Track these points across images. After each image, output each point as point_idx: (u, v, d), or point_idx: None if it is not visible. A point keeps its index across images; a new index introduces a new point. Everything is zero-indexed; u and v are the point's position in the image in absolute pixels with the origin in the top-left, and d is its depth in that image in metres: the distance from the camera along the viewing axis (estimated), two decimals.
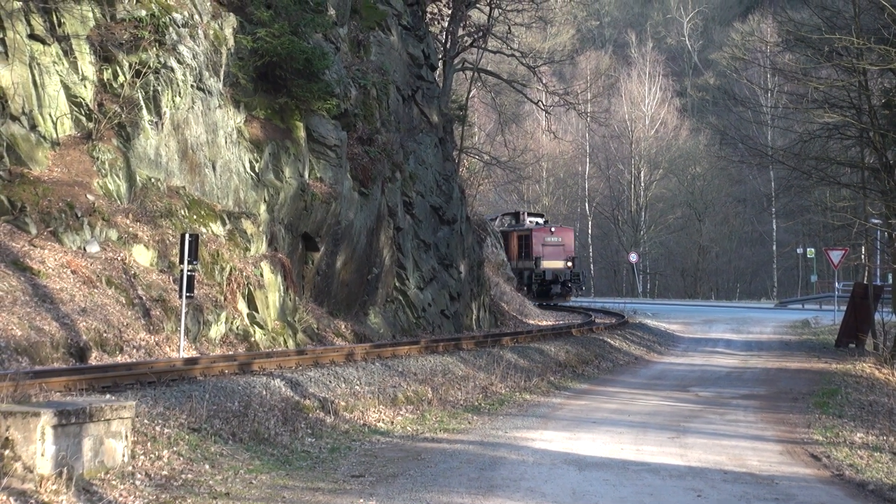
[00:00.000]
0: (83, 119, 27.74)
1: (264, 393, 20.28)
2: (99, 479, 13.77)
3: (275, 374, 22.20)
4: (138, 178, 28.16)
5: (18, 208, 24.56)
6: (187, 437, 16.25)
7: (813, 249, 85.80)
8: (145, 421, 16.12)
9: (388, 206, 39.79)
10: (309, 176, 34.26)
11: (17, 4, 26.44)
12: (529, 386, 29.01)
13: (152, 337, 24.54)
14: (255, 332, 28.54)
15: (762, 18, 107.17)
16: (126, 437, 14.49)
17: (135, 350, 23.43)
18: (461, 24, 59.73)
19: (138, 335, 24.10)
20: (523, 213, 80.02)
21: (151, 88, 28.97)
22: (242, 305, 28.77)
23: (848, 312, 45.63)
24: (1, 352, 19.67)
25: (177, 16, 30.33)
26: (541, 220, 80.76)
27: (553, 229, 75.13)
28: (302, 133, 34.12)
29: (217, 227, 29.60)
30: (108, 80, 28.49)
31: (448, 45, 58.64)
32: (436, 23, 59.36)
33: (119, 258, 25.78)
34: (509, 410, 24.73)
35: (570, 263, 73.50)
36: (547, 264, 72.34)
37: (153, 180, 28.57)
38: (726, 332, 55.55)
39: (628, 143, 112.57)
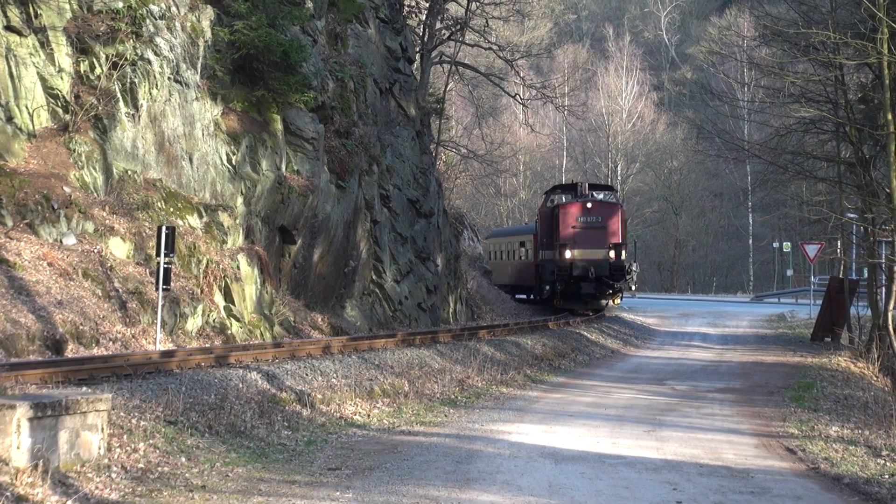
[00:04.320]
0: (60, 111, 27.67)
1: (241, 386, 20.28)
2: (75, 471, 13.76)
3: (251, 367, 22.21)
4: (115, 170, 28.08)
5: None
6: (164, 429, 16.24)
7: (789, 243, 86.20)
8: (121, 413, 16.10)
9: (365, 199, 39.76)
10: (286, 169, 34.22)
11: None
12: (506, 379, 29.06)
13: (129, 329, 24.48)
14: (231, 324, 28.50)
15: (739, 13, 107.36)
16: (102, 429, 14.48)
17: (111, 343, 23.37)
18: (439, 18, 59.70)
19: (115, 328, 24.04)
20: (583, 185, 57.34)
21: (128, 80, 28.89)
22: (219, 298, 28.72)
23: (824, 307, 45.86)
24: None
25: (154, 8, 30.25)
26: (609, 195, 62.22)
27: (589, 205, 54.21)
28: (279, 126, 34.08)
29: (194, 220, 29.55)
30: (84, 71, 28.40)
31: (426, 39, 58.59)
32: (413, 16, 59.35)
33: (95, 250, 25.70)
34: (486, 403, 24.78)
35: (612, 253, 52.78)
36: (577, 253, 52.48)
37: (130, 173, 28.50)
38: (702, 326, 55.74)
39: (605, 137, 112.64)
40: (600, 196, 60.00)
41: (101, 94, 28.10)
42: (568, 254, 52.37)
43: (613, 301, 55.62)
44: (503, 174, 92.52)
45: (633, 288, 57.98)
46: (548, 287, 55.04)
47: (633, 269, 55.02)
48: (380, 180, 41.93)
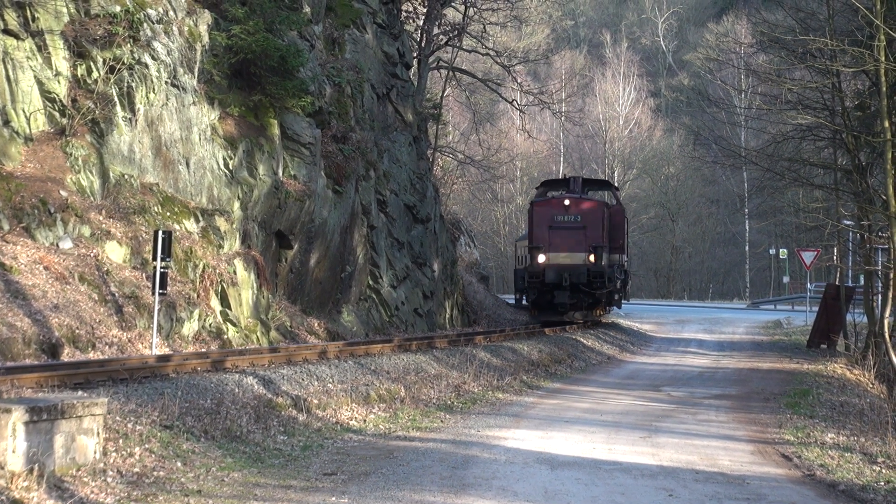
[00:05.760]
0: (57, 115, 27.67)
1: (237, 390, 20.25)
2: (70, 475, 13.74)
3: (247, 372, 22.17)
4: (112, 174, 28.09)
5: None
6: (159, 434, 16.21)
7: (785, 250, 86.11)
8: (117, 418, 16.07)
9: (361, 204, 39.78)
10: (283, 173, 34.23)
11: None
12: (502, 385, 29.03)
13: (125, 334, 24.48)
14: (228, 329, 28.49)
15: (736, 19, 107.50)
16: (98, 433, 14.46)
17: (107, 347, 23.36)
18: (436, 23, 59.73)
19: (111, 332, 24.03)
20: (576, 181, 51.49)
21: (125, 84, 28.90)
22: (215, 303, 28.72)
23: (820, 313, 45.85)
24: None
25: (151, 12, 30.26)
26: (604, 194, 57.33)
27: (567, 202, 47.60)
28: (276, 130, 34.08)
29: (190, 225, 29.55)
30: (81, 75, 28.41)
31: (423, 44, 58.62)
32: (411, 21, 59.40)
33: (92, 255, 25.70)
34: (482, 409, 24.73)
35: (592, 257, 46.25)
36: (551, 258, 46.26)
37: (126, 177, 28.50)
38: (699, 333, 55.71)
39: (602, 143, 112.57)
40: (591, 193, 54.53)
41: (99, 98, 28.11)
42: (541, 258, 46.45)
43: (595, 313, 49.25)
44: (500, 180, 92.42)
45: (619, 296, 51.75)
46: (518, 294, 48.16)
47: (618, 276, 49.46)
48: (377, 186, 41.96)
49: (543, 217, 47.50)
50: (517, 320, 55.46)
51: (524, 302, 47.88)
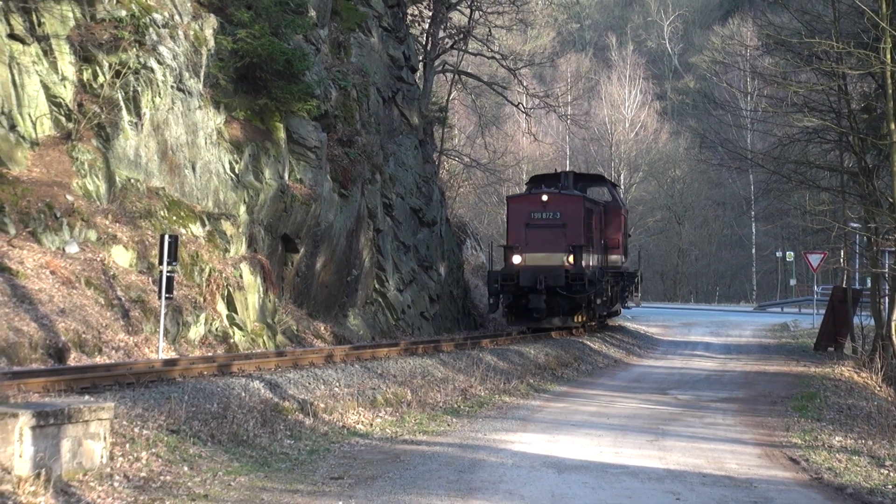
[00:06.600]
0: (63, 119, 27.66)
1: (243, 394, 20.23)
2: (77, 480, 13.73)
3: (254, 376, 22.15)
4: (118, 178, 28.08)
5: None
6: (166, 438, 16.20)
7: (792, 253, 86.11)
8: (124, 422, 16.06)
9: (367, 207, 39.75)
10: (289, 177, 34.22)
11: None
12: (509, 388, 28.99)
13: (131, 338, 24.48)
14: (234, 333, 28.49)
15: (742, 22, 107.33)
16: (104, 438, 14.45)
17: (114, 351, 23.36)
18: (442, 26, 59.65)
19: (117, 336, 24.04)
20: (567, 177, 48.26)
21: (131, 89, 28.90)
22: (222, 307, 28.71)
23: (827, 316, 45.78)
24: None
25: (157, 16, 30.26)
26: (601, 191, 54.28)
27: (545, 197, 43.25)
28: (282, 134, 34.07)
29: (196, 229, 29.55)
30: (87, 80, 28.40)
31: (429, 47, 58.54)
32: (416, 25, 59.33)
33: (98, 259, 25.70)
34: (488, 413, 24.71)
35: (571, 257, 41.75)
36: (527, 259, 42.03)
37: (133, 181, 28.49)
38: (705, 336, 55.64)
39: (608, 146, 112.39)
40: (589, 190, 51.32)
41: (104, 102, 28.11)
42: (516, 258, 42.10)
43: (575, 319, 43.30)
44: (506, 183, 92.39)
45: (601, 301, 46.56)
46: (492, 298, 43.49)
47: (603, 278, 45.66)
48: (382, 189, 41.92)
49: (519, 214, 43.69)
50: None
51: (499, 306, 43.98)
